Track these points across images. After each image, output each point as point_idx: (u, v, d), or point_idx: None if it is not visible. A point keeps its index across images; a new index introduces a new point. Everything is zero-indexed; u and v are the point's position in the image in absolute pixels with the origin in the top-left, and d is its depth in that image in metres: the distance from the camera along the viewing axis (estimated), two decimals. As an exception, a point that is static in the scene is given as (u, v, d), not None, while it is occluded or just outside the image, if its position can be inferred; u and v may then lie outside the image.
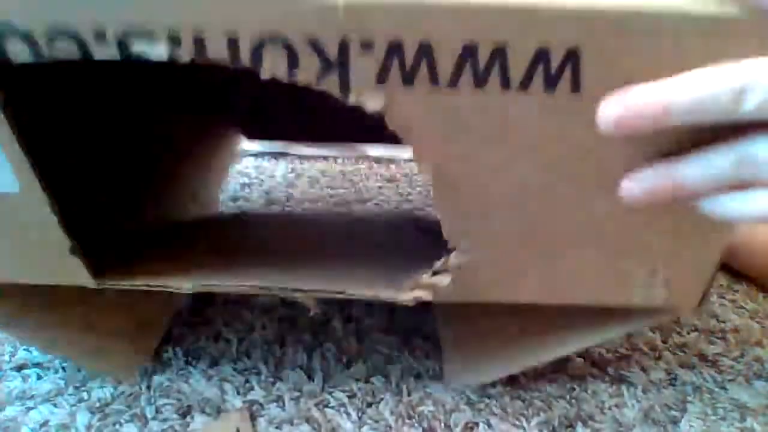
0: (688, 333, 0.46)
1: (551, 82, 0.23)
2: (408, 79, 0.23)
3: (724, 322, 0.48)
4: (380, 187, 0.75)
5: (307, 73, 0.23)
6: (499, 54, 0.23)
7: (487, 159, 0.26)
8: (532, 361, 0.37)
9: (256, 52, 0.23)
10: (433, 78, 0.23)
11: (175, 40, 0.22)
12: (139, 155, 0.52)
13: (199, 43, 0.22)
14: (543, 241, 0.29)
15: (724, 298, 0.52)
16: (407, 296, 0.31)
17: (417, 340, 0.45)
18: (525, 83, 0.23)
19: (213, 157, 0.66)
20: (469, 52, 0.23)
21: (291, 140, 0.76)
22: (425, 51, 0.23)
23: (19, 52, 0.23)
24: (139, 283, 0.32)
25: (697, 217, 0.26)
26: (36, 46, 0.22)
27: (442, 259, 0.30)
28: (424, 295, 0.31)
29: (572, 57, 0.23)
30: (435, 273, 0.30)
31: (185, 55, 0.22)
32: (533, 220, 0.28)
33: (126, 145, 0.51)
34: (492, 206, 0.28)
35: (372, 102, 0.24)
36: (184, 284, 0.32)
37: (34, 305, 0.39)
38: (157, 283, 0.32)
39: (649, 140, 0.25)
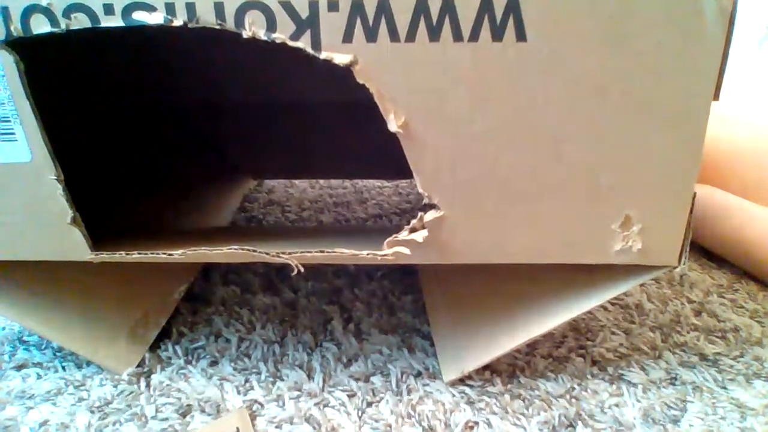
0: (688, 332, 0.46)
1: (498, 32, 0.26)
2: (371, 35, 0.26)
3: (724, 321, 0.48)
4: (380, 187, 0.75)
5: (283, 33, 0.26)
6: (448, 8, 0.26)
7: (448, 111, 0.28)
8: (522, 336, 0.37)
9: (239, 16, 0.26)
10: (393, 33, 0.26)
11: (170, 8, 0.26)
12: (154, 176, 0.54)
13: (191, 9, 0.26)
14: (514, 191, 0.30)
15: (724, 297, 0.52)
16: (387, 253, 0.32)
17: (417, 340, 0.45)
18: (474, 34, 0.26)
19: (224, 197, 0.70)
20: (422, 7, 0.26)
21: (293, 178, 0.79)
22: (383, 8, 0.26)
23: (39, 24, 0.27)
24: (133, 255, 0.33)
25: (663, 153, 0.28)
26: (54, 18, 0.26)
27: (419, 215, 0.31)
28: (404, 251, 0.31)
29: (513, 7, 0.25)
30: (413, 230, 0.31)
31: (179, 20, 0.26)
32: (501, 170, 0.29)
33: (141, 164, 0.53)
34: (460, 159, 0.29)
35: (340, 57, 0.26)
36: (175, 252, 0.33)
37: (34, 288, 0.40)
38: (148, 254, 0.33)
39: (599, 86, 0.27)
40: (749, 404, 0.39)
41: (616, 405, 0.39)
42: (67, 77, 0.45)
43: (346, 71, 0.27)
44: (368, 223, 0.66)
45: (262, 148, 0.67)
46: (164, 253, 0.33)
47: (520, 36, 0.26)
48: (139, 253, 0.33)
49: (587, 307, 0.34)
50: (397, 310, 0.49)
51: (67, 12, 0.26)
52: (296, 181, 0.78)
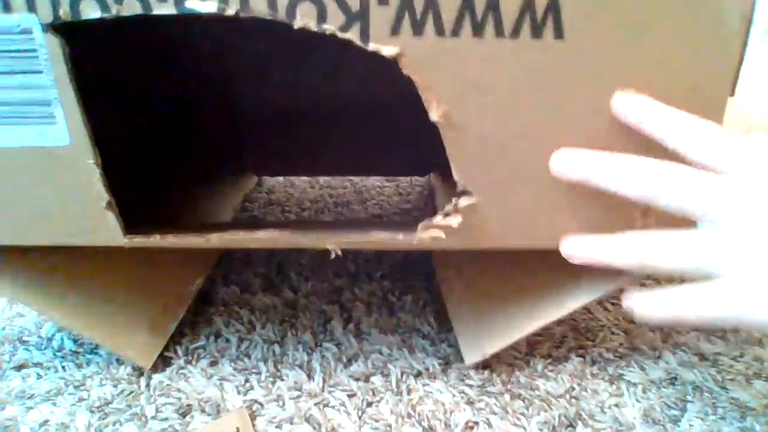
0: (688, 332, 0.46)
1: (537, 30, 0.27)
2: (418, 29, 0.27)
3: (724, 321, 0.48)
4: (380, 187, 0.75)
5: (333, 24, 0.27)
6: (492, 5, 0.27)
7: (488, 104, 0.29)
8: (542, 319, 0.37)
9: (291, 8, 0.27)
10: (439, 28, 0.27)
11: None
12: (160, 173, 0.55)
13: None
14: (545, 182, 0.31)
15: (724, 298, 0.51)
16: (423, 237, 0.33)
17: (417, 340, 0.45)
18: (516, 31, 0.27)
19: (224, 197, 0.70)
20: (467, 4, 0.27)
21: (296, 176, 0.79)
22: (431, 4, 0.27)
23: (89, 9, 0.26)
24: (168, 238, 0.33)
25: None
26: (105, 4, 0.26)
27: (453, 201, 0.32)
28: (438, 235, 0.32)
29: (553, 7, 0.27)
30: (446, 215, 0.32)
31: (231, 9, 0.26)
32: (534, 161, 0.31)
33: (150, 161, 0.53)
34: (497, 149, 0.30)
35: (388, 50, 0.27)
36: (212, 239, 0.33)
37: (58, 275, 0.40)
38: (185, 237, 0.33)
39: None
40: (749, 404, 0.39)
41: (616, 405, 0.39)
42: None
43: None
44: (372, 221, 0.66)
45: (263, 148, 0.67)
46: (201, 237, 0.33)
47: (558, 34, 0.27)
48: (175, 236, 0.33)
49: (601, 292, 0.35)
50: (397, 310, 0.49)
51: None
52: (296, 181, 0.78)
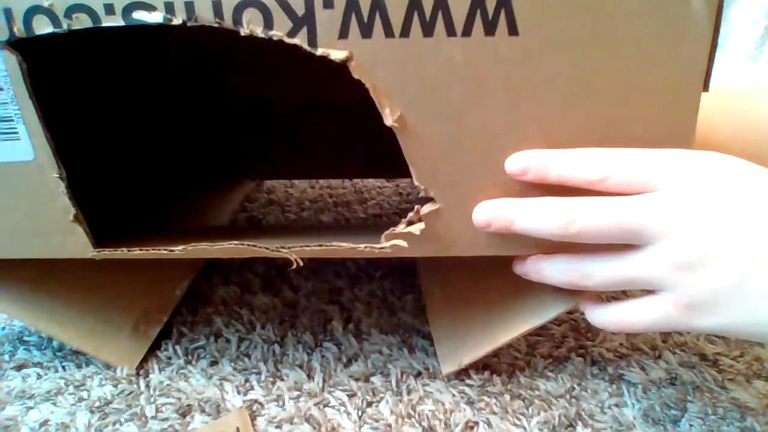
0: (688, 333, 0.46)
1: (490, 27, 0.26)
2: (366, 31, 0.27)
3: (724, 321, 0.48)
4: (380, 187, 0.75)
5: (280, 30, 0.27)
6: (441, 4, 0.26)
7: (442, 105, 0.28)
8: (520, 328, 0.36)
9: (237, 14, 0.26)
10: (387, 29, 0.27)
11: (169, 7, 0.26)
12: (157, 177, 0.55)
13: (190, 8, 0.26)
14: (506, 185, 0.30)
15: (724, 298, 0.51)
16: (385, 246, 0.32)
17: (417, 340, 0.45)
18: (467, 29, 0.27)
19: (224, 197, 0.70)
20: (415, 4, 0.26)
21: (292, 179, 0.78)
22: (378, 4, 0.26)
23: (42, 25, 0.27)
24: (135, 251, 0.34)
25: (654, 145, 0.28)
26: (56, 18, 0.27)
27: (415, 208, 0.31)
28: (401, 244, 0.32)
29: (504, 2, 0.26)
30: (410, 223, 0.32)
31: (178, 19, 0.27)
32: (493, 163, 0.30)
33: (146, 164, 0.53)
34: (455, 152, 0.30)
35: (336, 54, 0.27)
36: (176, 248, 0.33)
37: (37, 286, 0.40)
38: (150, 250, 0.33)
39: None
40: (749, 404, 0.39)
41: (616, 405, 0.39)
42: (71, 76, 0.45)
43: (343, 70, 0.27)
44: (368, 223, 0.66)
45: (262, 148, 0.67)
46: (166, 249, 0.33)
47: (512, 31, 0.27)
48: (141, 250, 0.33)
49: (575, 302, 0.34)
50: (397, 310, 0.49)
51: (69, 12, 0.27)
52: (296, 181, 0.78)
